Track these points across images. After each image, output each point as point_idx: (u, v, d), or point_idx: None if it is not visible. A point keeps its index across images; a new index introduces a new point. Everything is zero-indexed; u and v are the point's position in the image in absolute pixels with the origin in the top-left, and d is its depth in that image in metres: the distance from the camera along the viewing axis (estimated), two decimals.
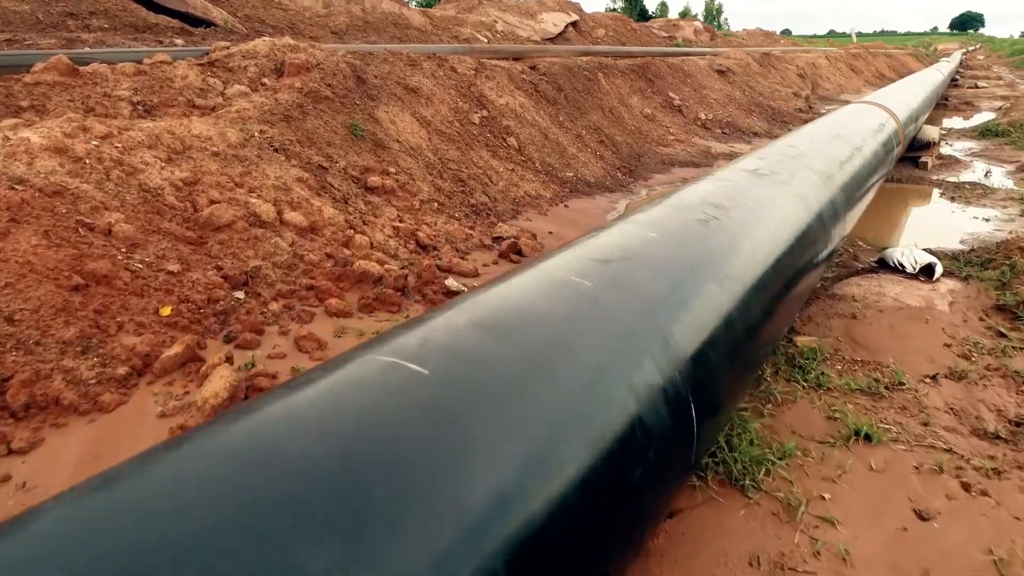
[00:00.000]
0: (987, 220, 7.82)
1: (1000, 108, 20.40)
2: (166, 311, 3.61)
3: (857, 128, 6.37)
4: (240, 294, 4.03)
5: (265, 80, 6.42)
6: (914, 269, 5.55)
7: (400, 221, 5.78)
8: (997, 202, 8.56)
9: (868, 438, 3.14)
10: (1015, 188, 9.27)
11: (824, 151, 4.82)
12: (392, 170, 6.44)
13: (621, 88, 12.02)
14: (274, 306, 4.03)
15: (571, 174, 8.78)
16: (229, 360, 3.29)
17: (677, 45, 29.74)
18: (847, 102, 22.34)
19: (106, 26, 10.49)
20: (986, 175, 10.50)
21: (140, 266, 3.77)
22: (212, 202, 4.53)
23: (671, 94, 13.05)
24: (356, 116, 6.67)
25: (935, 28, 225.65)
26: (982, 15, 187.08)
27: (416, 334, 1.66)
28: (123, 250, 3.81)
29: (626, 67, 12.71)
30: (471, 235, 6.16)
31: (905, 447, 3.13)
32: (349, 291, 4.45)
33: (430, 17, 17.77)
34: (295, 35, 13.58)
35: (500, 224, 6.55)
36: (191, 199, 4.51)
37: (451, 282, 4.76)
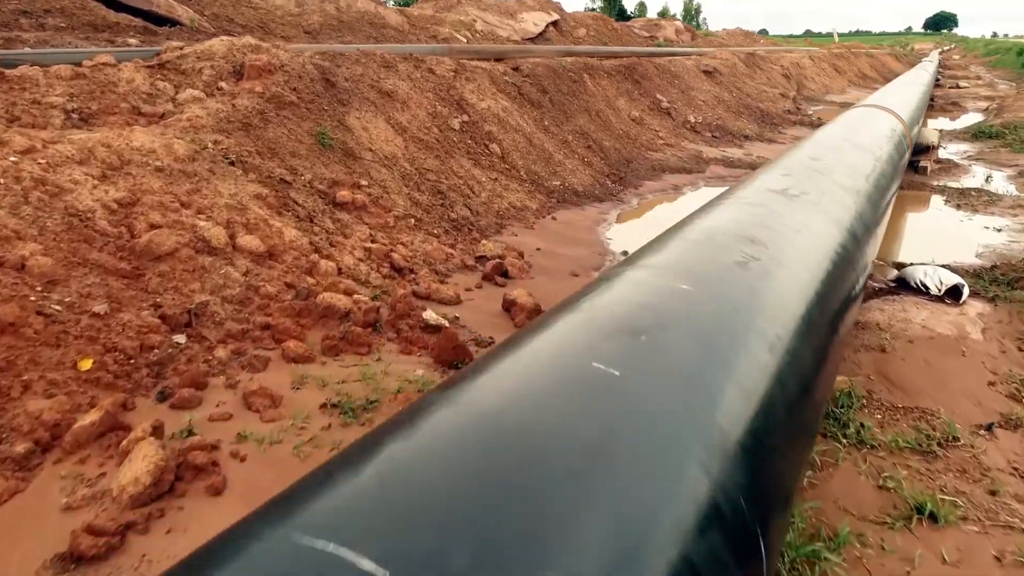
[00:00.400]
0: (999, 230, 7.37)
1: (986, 108, 20.15)
2: (86, 364, 3.00)
3: (872, 135, 5.89)
4: (181, 338, 3.43)
5: (222, 84, 5.80)
6: (939, 291, 5.05)
7: (372, 241, 5.19)
8: (1006, 210, 8.13)
9: (933, 517, 2.61)
10: (1021, 195, 8.86)
11: (848, 163, 4.31)
12: (364, 183, 5.84)
13: (608, 90, 11.50)
14: (221, 352, 3.43)
15: (558, 183, 8.23)
16: (157, 431, 2.69)
17: (659, 45, 29.39)
18: (833, 103, 21.99)
19: (63, 25, 9.79)
20: (987, 180, 10.09)
21: (57, 308, 3.16)
22: (152, 226, 3.91)
23: (659, 96, 12.55)
24: (324, 123, 6.07)
25: (909, 28, 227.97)
26: (955, 15, 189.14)
27: (360, 484, 1.11)
28: (38, 289, 3.19)
29: (612, 68, 12.18)
30: (451, 255, 5.58)
31: (978, 528, 2.60)
32: (312, 328, 3.86)
33: (407, 16, 17.16)
34: (266, 35, 12.94)
35: (483, 241, 5.98)
36: (127, 223, 3.89)
37: (429, 314, 4.19)
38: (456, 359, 3.70)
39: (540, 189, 7.92)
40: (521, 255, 5.87)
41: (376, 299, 4.42)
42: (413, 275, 5.05)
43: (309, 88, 6.25)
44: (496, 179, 7.50)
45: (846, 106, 21.72)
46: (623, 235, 7.20)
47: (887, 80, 31.96)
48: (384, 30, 16.02)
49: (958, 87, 28.44)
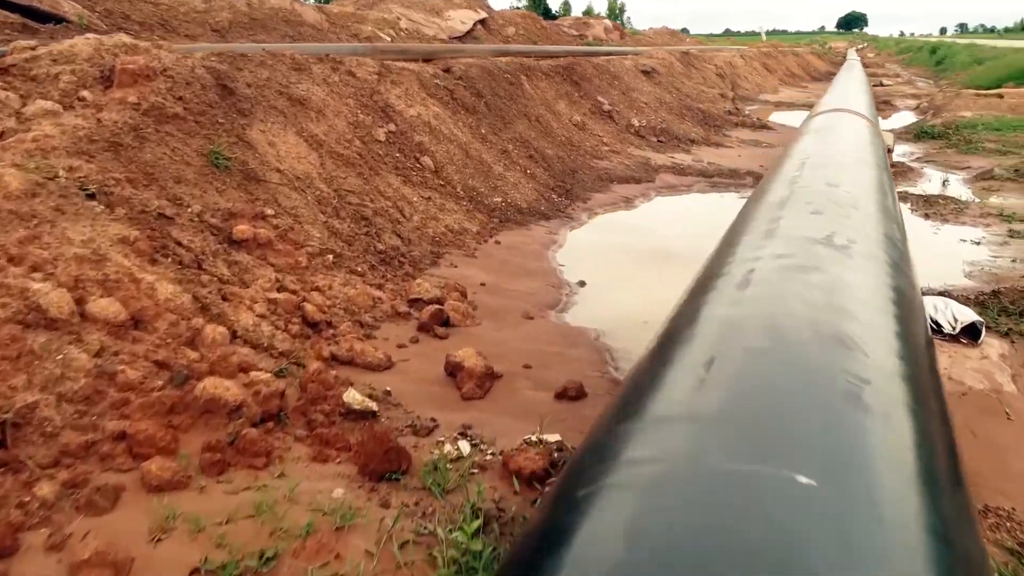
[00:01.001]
0: (977, 243, 6.82)
1: (917, 107, 20.20)
2: None
3: (860, 144, 5.19)
4: None
5: (85, 93, 4.66)
6: (953, 330, 4.35)
7: (280, 288, 4.16)
8: (977, 219, 7.61)
9: None
10: (988, 201, 8.40)
11: (866, 184, 3.54)
12: (270, 212, 4.80)
13: (547, 92, 10.64)
14: (47, 488, 2.38)
15: (499, 199, 7.32)
16: None
17: (588, 44, 28.87)
18: (767, 102, 21.75)
19: None
20: (944, 184, 9.67)
21: None
22: None
23: (600, 98, 11.77)
24: (219, 139, 5.00)
25: (823, 27, 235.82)
26: (865, 15, 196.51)
27: None
28: None
29: (549, 69, 11.34)
30: (379, 299, 4.60)
31: None
32: (189, 431, 2.83)
33: (327, 14, 15.95)
34: (168, 33, 11.59)
35: (418, 279, 5.01)
36: None
37: (352, 395, 3.20)
38: (389, 469, 2.74)
39: (480, 207, 6.99)
40: (463, 294, 4.93)
41: (282, 374, 3.42)
42: (332, 331, 4.05)
43: (200, 97, 5.16)
44: (430, 198, 6.53)
45: (781, 105, 21.58)
46: (577, 259, 6.34)
47: (814, 79, 32.21)
48: (301, 28, 14.78)
49: (882, 84, 28.80)
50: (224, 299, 3.82)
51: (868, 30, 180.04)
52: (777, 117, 17.28)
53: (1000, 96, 17.87)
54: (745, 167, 10.04)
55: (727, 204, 8.66)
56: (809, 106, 21.41)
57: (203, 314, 3.53)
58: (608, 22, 37.33)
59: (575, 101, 11.23)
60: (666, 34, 45.29)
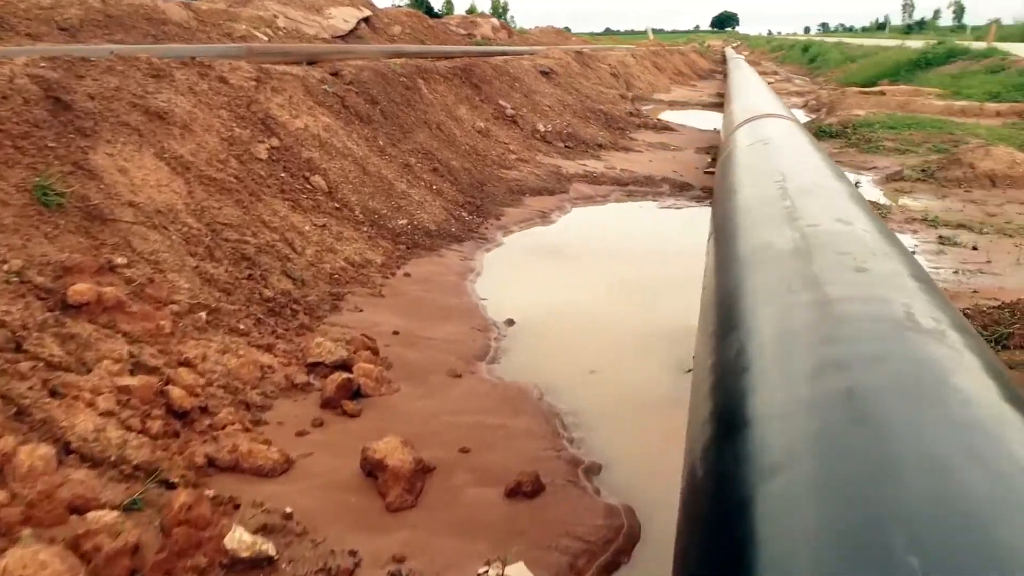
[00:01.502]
0: (913, 252, 6.52)
1: (806, 105, 20.60)
2: None
3: (816, 154, 4.67)
4: None
5: None
6: None
7: (134, 369, 3.17)
8: (903, 225, 7.36)
9: None
10: (908, 205, 8.22)
11: (862, 213, 2.93)
12: (121, 261, 3.77)
13: (446, 97, 9.80)
14: None
15: (405, 221, 6.45)
16: None
17: (477, 43, 28.21)
18: (662, 102, 21.68)
19: None
20: (856, 186, 9.50)
21: None
22: None
23: (502, 102, 11.04)
24: (50, 169, 3.91)
25: (697, 27, 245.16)
26: (737, 14, 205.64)
27: None
28: None
29: (447, 71, 10.50)
30: (270, 367, 3.67)
31: None
32: None
33: (195, 12, 14.46)
34: (5, 31, 10.02)
35: (317, 331, 4.10)
36: None
37: (238, 538, 2.29)
38: None
39: (384, 233, 6.10)
40: (374, 351, 4.05)
41: (135, 507, 2.46)
42: (208, 421, 3.11)
43: (22, 114, 4.04)
44: (325, 225, 5.59)
45: (675, 104, 21.56)
46: (499, 288, 5.57)
47: (700, 77, 32.78)
48: (165, 27, 13.27)
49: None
50: (53, 394, 2.81)
51: (740, 29, 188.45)
52: (673, 116, 17.11)
53: (883, 93, 18.42)
54: (659, 173, 9.56)
55: (646, 215, 8.12)
56: (704, 105, 21.58)
57: (14, 428, 2.52)
58: (495, 20, 36.78)
59: (477, 105, 10.45)
60: (552, 33, 45.27)
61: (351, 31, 19.77)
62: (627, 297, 5.40)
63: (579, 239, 7.15)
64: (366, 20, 24.15)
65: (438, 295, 5.22)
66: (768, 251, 2.50)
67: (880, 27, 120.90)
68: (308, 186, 5.92)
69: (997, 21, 45.89)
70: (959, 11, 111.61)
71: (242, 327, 3.95)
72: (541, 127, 10.87)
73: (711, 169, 9.81)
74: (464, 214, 7.18)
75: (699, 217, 8.10)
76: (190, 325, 3.69)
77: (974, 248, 6.49)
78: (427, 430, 3.34)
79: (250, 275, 4.45)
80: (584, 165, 9.73)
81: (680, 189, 8.91)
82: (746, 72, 16.40)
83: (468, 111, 10.04)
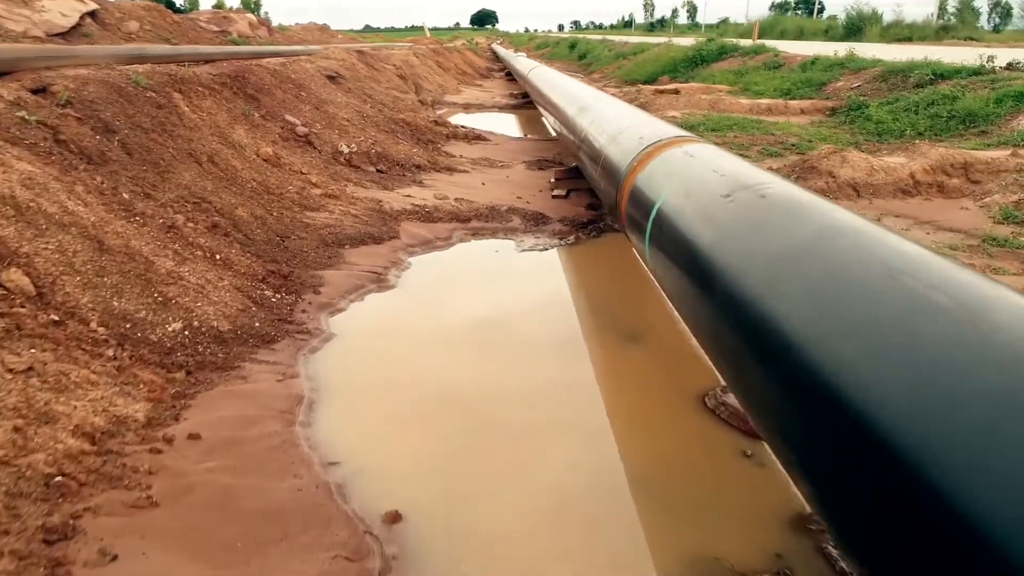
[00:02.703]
0: None
1: None
2: None
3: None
4: None
5: None
6: None
7: None
8: None
9: None
10: None
11: None
12: None
13: (217, 115, 7.30)
14: None
15: (179, 325, 4.10)
16: None
17: (234, 42, 24.92)
18: (455, 104, 19.96)
19: None
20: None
21: None
22: None
23: (290, 117, 8.67)
24: None
25: (457, 24, 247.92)
26: (495, 12, 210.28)
27: None
28: None
29: (213, 80, 7.95)
30: None
31: None
32: None
33: None
34: None
35: None
36: None
37: None
38: None
39: (144, 354, 3.74)
40: None
41: None
42: None
43: None
44: (31, 368, 3.16)
45: (470, 108, 19.90)
46: (354, 434, 3.50)
47: (483, 76, 31.62)
48: None
49: None
50: None
51: (499, 27, 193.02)
52: (472, 121, 15.51)
53: (677, 92, 18.14)
54: (501, 201, 7.80)
55: (507, 261, 6.33)
56: (500, 107, 20.15)
57: None
58: (252, 16, 33.11)
59: (258, 124, 8.02)
60: (316, 30, 42.13)
61: (73, 27, 16.04)
62: (537, 435, 3.57)
63: (437, 310, 5.19)
64: (92, 14, 20.28)
65: (255, 478, 3.03)
66: None
67: (627, 24, 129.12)
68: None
69: (759, 20, 49.78)
70: (692, 11, 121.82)
71: None
72: (344, 147, 8.65)
73: (559, 192, 8.25)
74: (268, 292, 4.93)
75: (570, 260, 6.46)
76: None
77: None
78: None
79: None
80: (409, 196, 7.71)
81: (535, 223, 7.22)
82: (550, 74, 15.14)
83: (248, 132, 7.60)
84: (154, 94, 6.46)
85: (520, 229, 7.05)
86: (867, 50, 20.42)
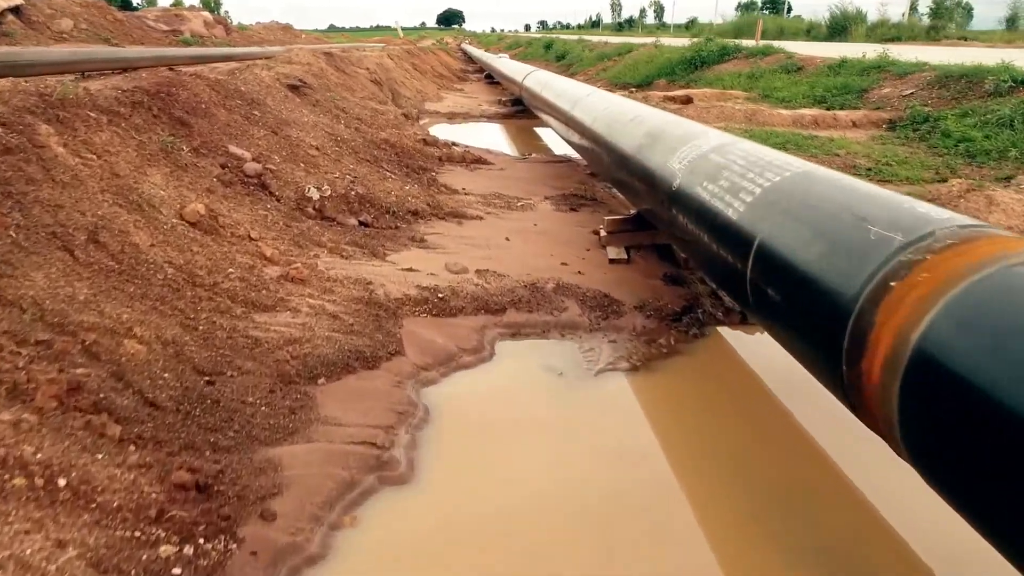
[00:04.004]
0: None
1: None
2: None
3: None
4: None
5: None
6: None
7: None
8: None
9: None
10: None
11: None
12: None
13: (117, 157, 4.79)
14: None
15: None
16: None
17: (186, 42, 22.30)
18: (438, 113, 17.35)
19: None
20: None
21: None
22: None
23: (234, 149, 6.17)
24: None
25: (424, 23, 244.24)
26: (462, 12, 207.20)
27: None
28: None
29: (118, 99, 5.44)
30: None
31: None
32: None
33: None
34: None
35: None
36: None
37: None
38: None
39: None
40: None
41: None
42: None
43: None
44: None
45: (455, 117, 17.27)
46: None
47: (460, 78, 29.15)
48: None
49: None
50: None
51: (466, 26, 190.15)
52: (458, 134, 13.09)
53: (689, 100, 15.88)
54: (543, 271, 5.39)
55: (585, 399, 3.91)
56: (489, 116, 17.53)
57: None
58: (208, 15, 30.30)
59: (186, 164, 5.50)
60: (278, 30, 39.30)
61: None
62: None
63: (491, 541, 2.75)
64: (15, 10, 17.65)
65: None
66: None
67: (594, 24, 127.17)
68: None
69: (760, 17, 47.90)
70: (659, 11, 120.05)
71: None
72: (313, 191, 6.16)
73: (617, 254, 5.86)
74: (163, 548, 2.46)
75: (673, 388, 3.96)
76: None
77: None
78: None
79: None
80: (411, 271, 5.23)
81: (602, 312, 4.82)
82: (562, 81, 12.76)
83: (169, 179, 5.09)
84: (1, 130, 3.94)
85: (583, 326, 4.66)
86: (855, 50, 18.33)
